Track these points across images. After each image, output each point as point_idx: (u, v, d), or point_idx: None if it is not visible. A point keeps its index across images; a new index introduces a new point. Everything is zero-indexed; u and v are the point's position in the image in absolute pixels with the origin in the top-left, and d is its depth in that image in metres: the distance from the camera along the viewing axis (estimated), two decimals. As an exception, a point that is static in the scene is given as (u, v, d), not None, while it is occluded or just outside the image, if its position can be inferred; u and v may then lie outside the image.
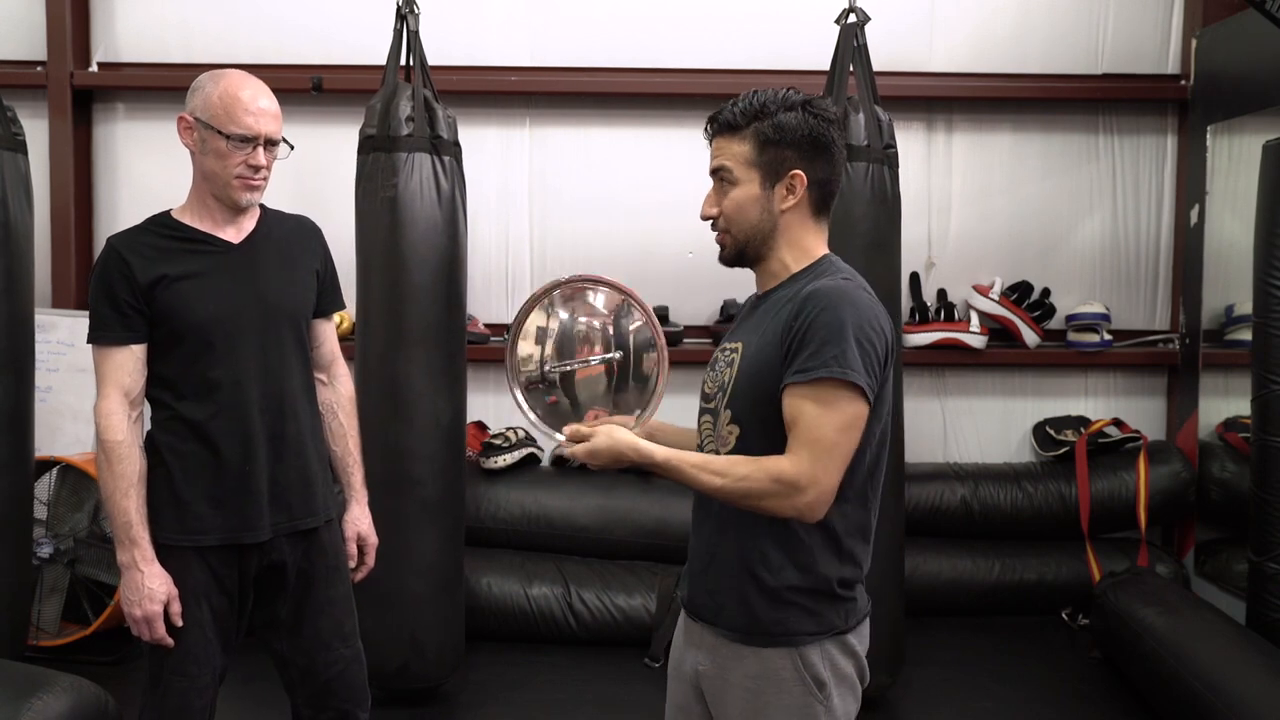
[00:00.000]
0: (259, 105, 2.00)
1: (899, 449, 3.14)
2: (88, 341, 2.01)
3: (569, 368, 1.46)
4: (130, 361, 1.98)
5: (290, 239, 2.15)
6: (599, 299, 1.71)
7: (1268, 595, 3.03)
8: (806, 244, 1.65)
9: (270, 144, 2.03)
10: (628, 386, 1.59)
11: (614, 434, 1.61)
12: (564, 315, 1.60)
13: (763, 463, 1.51)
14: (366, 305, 3.01)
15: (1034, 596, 3.80)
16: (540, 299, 1.49)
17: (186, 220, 2.06)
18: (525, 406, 1.49)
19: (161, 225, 2.05)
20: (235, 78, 2.02)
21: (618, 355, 1.49)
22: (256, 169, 2.01)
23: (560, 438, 1.51)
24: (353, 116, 3.10)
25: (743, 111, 1.61)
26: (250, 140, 1.99)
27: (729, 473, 1.52)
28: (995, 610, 3.80)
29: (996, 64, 4.06)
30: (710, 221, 1.67)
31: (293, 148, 2.09)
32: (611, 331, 1.54)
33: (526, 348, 1.60)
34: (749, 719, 1.59)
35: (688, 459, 1.57)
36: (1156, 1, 4.08)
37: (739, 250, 1.66)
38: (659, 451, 1.58)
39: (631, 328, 1.66)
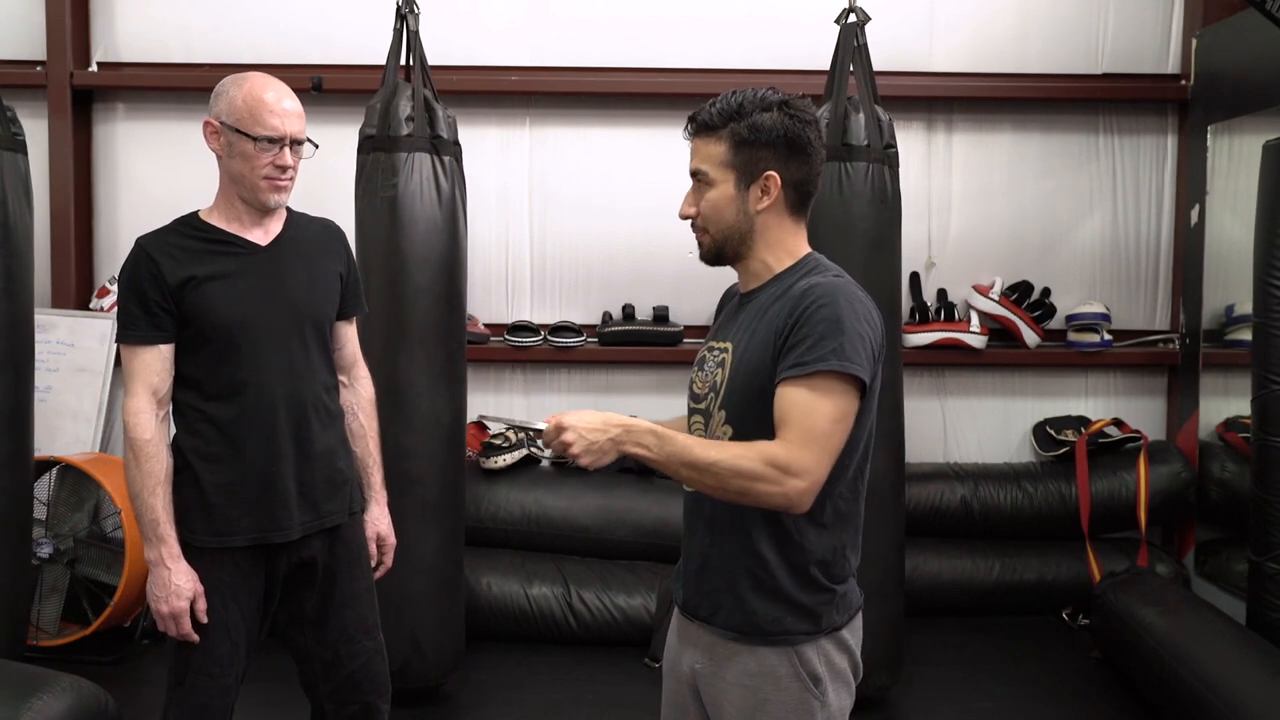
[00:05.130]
0: (283, 106, 2.03)
1: (898, 449, 3.14)
2: (116, 340, 2.05)
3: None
4: (158, 361, 2.00)
5: (315, 242, 2.18)
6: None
7: (1268, 595, 3.03)
8: (786, 243, 1.65)
9: (295, 144, 2.06)
10: None
11: (592, 411, 1.57)
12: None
13: (755, 446, 1.49)
14: (367, 305, 3.01)
15: (1034, 596, 3.80)
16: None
17: (214, 222, 2.07)
18: (503, 416, 1.62)
19: (190, 226, 2.07)
20: (259, 80, 2.05)
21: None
22: (284, 169, 2.04)
23: (541, 425, 1.57)
24: (353, 116, 3.10)
25: (719, 112, 1.60)
26: (276, 141, 2.02)
27: (724, 449, 1.50)
28: (995, 610, 3.80)
29: (996, 64, 4.06)
30: (690, 221, 1.67)
31: (317, 147, 2.12)
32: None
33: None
34: (746, 716, 1.60)
35: (678, 434, 1.54)
36: (1156, 1, 4.08)
37: (716, 250, 1.66)
38: (644, 422, 1.55)
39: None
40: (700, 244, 1.68)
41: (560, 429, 1.53)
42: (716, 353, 1.67)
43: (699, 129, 1.63)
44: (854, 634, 1.65)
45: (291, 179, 2.07)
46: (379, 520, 2.31)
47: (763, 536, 1.58)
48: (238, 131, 2.00)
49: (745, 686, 1.60)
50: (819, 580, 1.59)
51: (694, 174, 1.65)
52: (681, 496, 1.72)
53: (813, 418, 1.48)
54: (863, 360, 1.50)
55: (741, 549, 1.60)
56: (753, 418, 1.56)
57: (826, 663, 1.60)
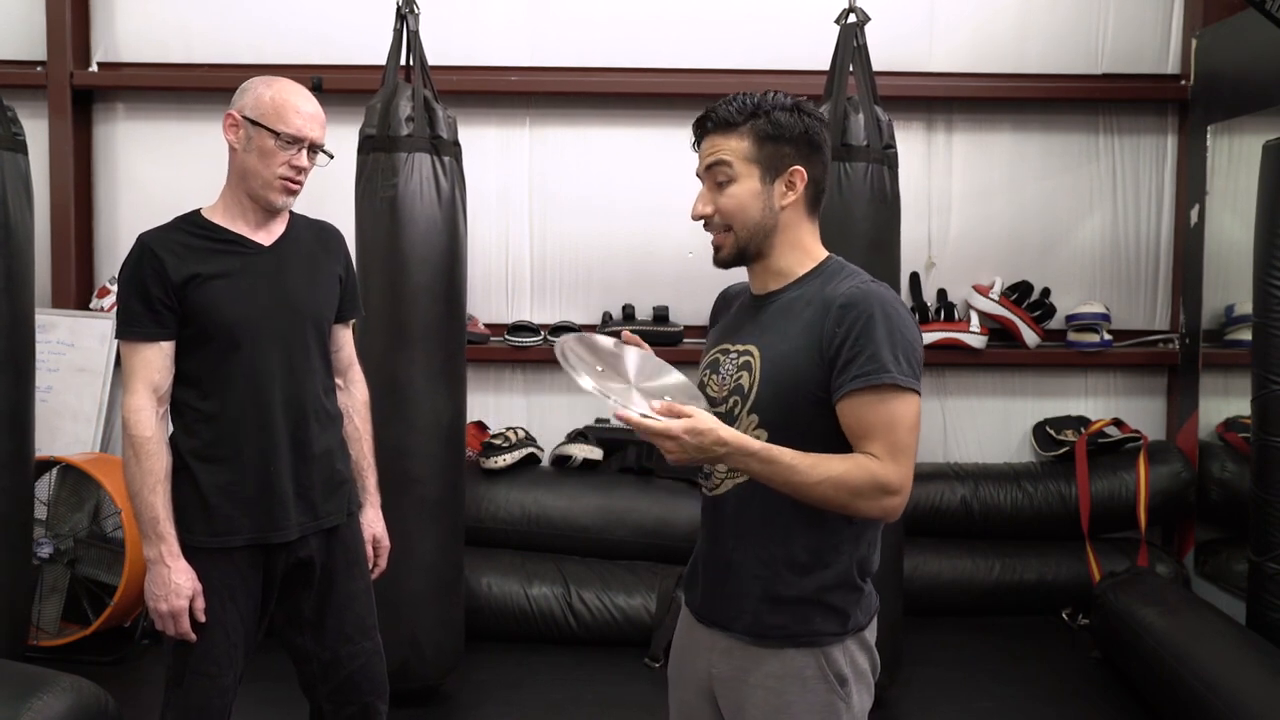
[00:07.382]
0: (309, 110, 2.07)
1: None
2: (117, 337, 2.04)
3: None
4: (159, 358, 2.00)
5: (316, 244, 2.19)
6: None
7: (1268, 595, 3.03)
8: (805, 243, 1.65)
9: (313, 150, 2.08)
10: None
11: (708, 417, 1.49)
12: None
13: (857, 460, 1.50)
14: (366, 305, 3.01)
15: (1034, 596, 3.80)
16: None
17: (217, 220, 2.08)
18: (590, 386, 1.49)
19: (193, 224, 2.07)
20: (288, 83, 2.08)
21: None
22: (299, 170, 2.06)
23: (632, 412, 1.44)
24: (353, 116, 3.10)
25: (739, 109, 1.60)
26: (298, 142, 2.04)
27: (828, 468, 1.49)
28: (995, 610, 3.80)
29: (996, 64, 4.06)
30: (703, 222, 1.64)
31: (332, 157, 2.13)
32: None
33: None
34: (771, 718, 1.58)
35: (784, 450, 1.50)
36: (1156, 1, 4.08)
37: (740, 249, 1.63)
38: (753, 441, 1.50)
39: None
40: (719, 245, 1.64)
41: (694, 432, 1.45)
42: (735, 355, 1.64)
43: (718, 125, 1.61)
44: (873, 634, 1.66)
45: (302, 183, 2.09)
46: (374, 523, 2.32)
47: (799, 540, 1.57)
48: (260, 126, 2.02)
49: (769, 689, 1.58)
50: (853, 578, 1.59)
51: (711, 169, 1.62)
52: (681, 497, 1.72)
53: (895, 433, 1.50)
54: (917, 371, 1.52)
55: (771, 553, 1.59)
56: (791, 423, 1.56)
57: (851, 663, 1.60)
